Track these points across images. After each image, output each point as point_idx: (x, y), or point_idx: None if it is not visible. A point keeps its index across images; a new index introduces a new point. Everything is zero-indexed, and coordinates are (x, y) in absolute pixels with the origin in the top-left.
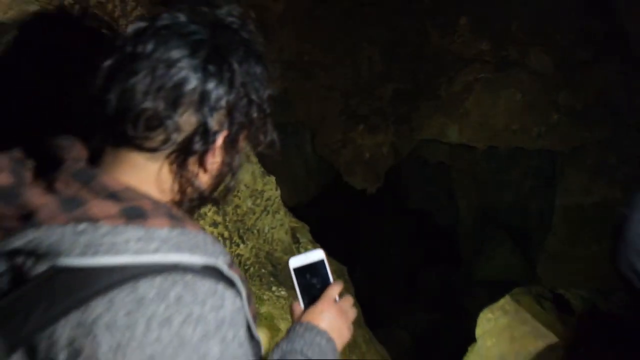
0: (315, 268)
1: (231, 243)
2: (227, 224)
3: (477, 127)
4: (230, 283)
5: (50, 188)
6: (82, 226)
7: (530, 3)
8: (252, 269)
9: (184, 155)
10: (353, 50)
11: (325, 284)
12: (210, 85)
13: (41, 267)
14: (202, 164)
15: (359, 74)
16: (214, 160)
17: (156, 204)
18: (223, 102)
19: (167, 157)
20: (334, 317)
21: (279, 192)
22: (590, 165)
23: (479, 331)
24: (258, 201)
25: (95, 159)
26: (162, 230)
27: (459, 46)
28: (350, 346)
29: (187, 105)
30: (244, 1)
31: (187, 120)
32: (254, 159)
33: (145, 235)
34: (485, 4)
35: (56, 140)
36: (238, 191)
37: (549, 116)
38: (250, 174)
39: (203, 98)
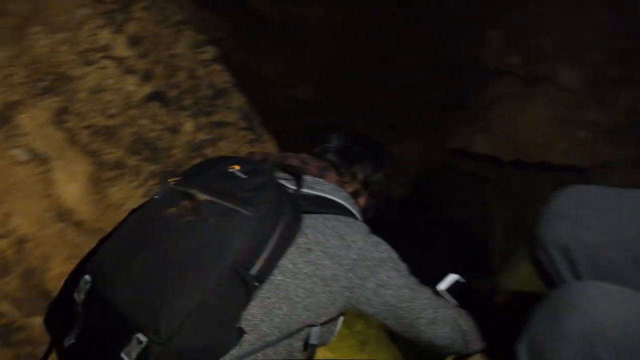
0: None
1: None
2: None
3: (502, 140)
4: None
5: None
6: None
7: (562, 18)
8: None
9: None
10: None
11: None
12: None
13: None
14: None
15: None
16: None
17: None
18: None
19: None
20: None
21: None
22: (616, 183)
23: None
24: None
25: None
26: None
27: (488, 59)
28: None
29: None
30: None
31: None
32: None
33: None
34: (516, 18)
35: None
36: None
37: (576, 132)
38: None
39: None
